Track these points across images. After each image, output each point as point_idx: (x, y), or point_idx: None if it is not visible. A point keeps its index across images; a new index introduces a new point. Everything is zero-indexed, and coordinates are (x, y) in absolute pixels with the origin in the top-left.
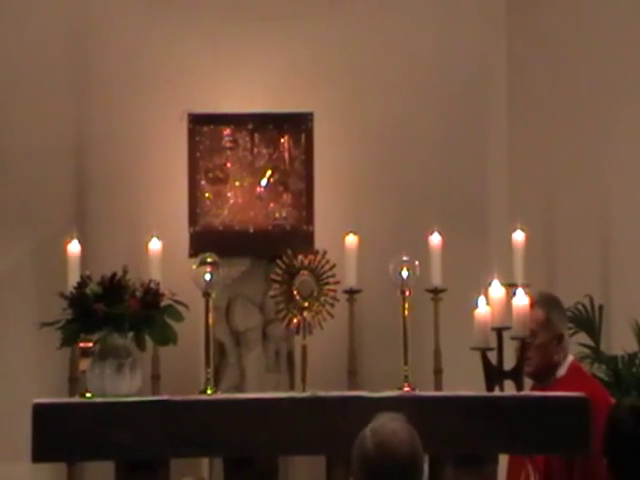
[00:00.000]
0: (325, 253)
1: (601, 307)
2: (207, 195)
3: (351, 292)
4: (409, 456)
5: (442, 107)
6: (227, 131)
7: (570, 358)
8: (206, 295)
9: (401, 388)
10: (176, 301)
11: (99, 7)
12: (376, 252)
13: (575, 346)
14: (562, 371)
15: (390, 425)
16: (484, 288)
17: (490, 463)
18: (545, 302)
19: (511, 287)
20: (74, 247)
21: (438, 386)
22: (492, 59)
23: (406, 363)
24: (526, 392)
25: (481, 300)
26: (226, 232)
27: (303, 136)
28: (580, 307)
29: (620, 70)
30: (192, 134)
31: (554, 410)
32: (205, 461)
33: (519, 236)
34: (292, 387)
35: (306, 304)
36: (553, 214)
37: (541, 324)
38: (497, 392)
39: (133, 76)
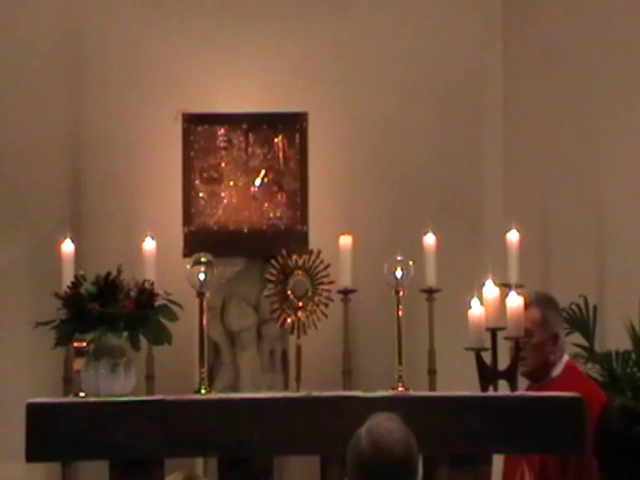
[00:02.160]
0: (319, 253)
1: (595, 307)
2: (201, 195)
3: (345, 292)
4: (404, 456)
5: (437, 107)
6: (221, 131)
7: (566, 358)
8: (200, 295)
9: (395, 388)
10: (170, 301)
11: (94, 7)
12: (370, 252)
13: (569, 346)
14: (558, 371)
15: (385, 425)
16: (478, 288)
17: (484, 463)
18: (541, 302)
19: (505, 287)
20: (68, 247)
21: (432, 386)
22: (487, 60)
23: (400, 363)
24: (520, 392)
25: (474, 301)
26: (220, 232)
27: (297, 136)
28: (574, 307)
29: (615, 71)
30: (186, 134)
31: (549, 410)
32: (199, 461)
33: (513, 236)
34: (286, 387)
35: (300, 304)
36: (547, 214)
37: (537, 324)
38: (491, 392)
39: (128, 76)
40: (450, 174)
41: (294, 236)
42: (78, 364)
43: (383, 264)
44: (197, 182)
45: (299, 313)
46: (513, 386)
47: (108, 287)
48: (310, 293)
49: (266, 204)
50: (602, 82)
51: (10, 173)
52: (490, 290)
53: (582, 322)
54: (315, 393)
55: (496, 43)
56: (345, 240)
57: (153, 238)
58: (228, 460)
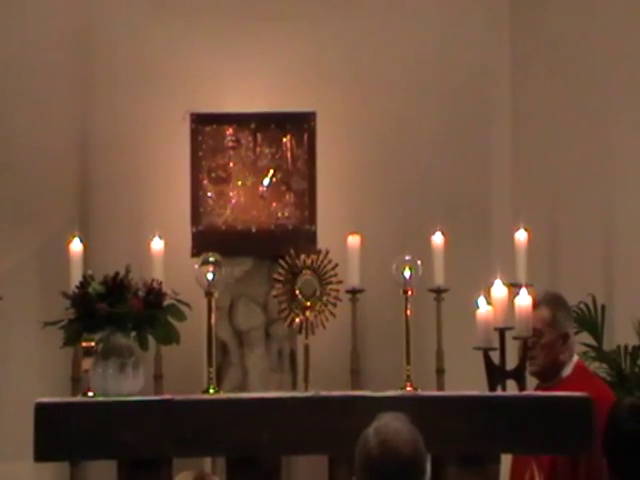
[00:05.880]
0: (328, 253)
1: (604, 306)
2: (209, 195)
3: (354, 292)
4: (412, 456)
5: (445, 107)
6: (230, 131)
7: (575, 358)
8: (209, 295)
9: (403, 388)
10: (179, 300)
11: (103, 7)
12: (379, 252)
13: (577, 345)
14: (567, 371)
15: (393, 425)
16: (486, 288)
17: (493, 463)
18: (551, 301)
19: (514, 287)
20: (76, 246)
21: (440, 386)
22: (495, 59)
23: (408, 363)
24: (529, 392)
25: (481, 301)
26: (229, 232)
27: (305, 135)
28: (583, 306)
29: (624, 69)
30: (195, 134)
31: (557, 410)
32: (208, 460)
33: (522, 236)
34: (295, 387)
35: (309, 304)
36: (556, 213)
37: (547, 323)
38: (499, 392)
39: (136, 76)
40: (458, 173)
41: (302, 236)
42: (86, 364)
43: (391, 264)
44: (205, 182)
45: (307, 313)
46: (521, 386)
47: (116, 287)
48: (318, 293)
49: (274, 204)
50: (611, 82)
51: (19, 173)
52: (498, 290)
53: (590, 321)
54: (323, 393)
55: (504, 42)
56: (353, 240)
57: (161, 238)
58: (236, 460)
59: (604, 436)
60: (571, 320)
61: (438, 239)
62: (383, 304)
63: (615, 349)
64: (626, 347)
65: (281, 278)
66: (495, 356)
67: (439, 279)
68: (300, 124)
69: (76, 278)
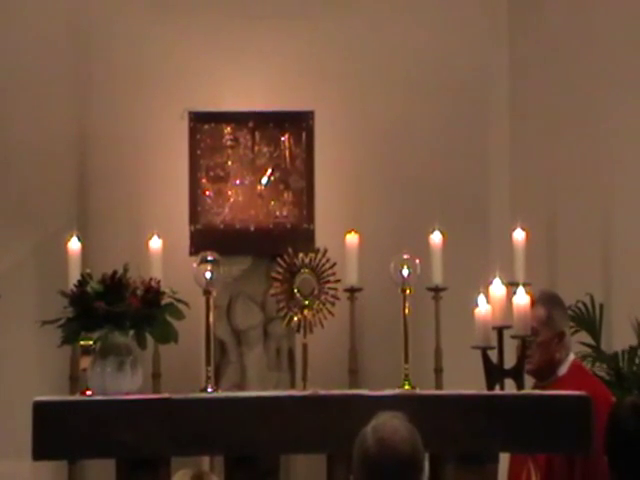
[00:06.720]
0: (326, 251)
1: (602, 306)
2: (208, 193)
3: (352, 290)
4: (410, 454)
5: (443, 105)
6: (228, 129)
7: (571, 356)
8: (207, 293)
9: (402, 387)
10: (177, 299)
11: (101, 6)
12: (377, 250)
13: (576, 345)
14: (563, 369)
15: (391, 423)
16: (485, 287)
17: (491, 462)
18: (547, 300)
19: (512, 286)
20: (75, 245)
21: (439, 385)
22: (494, 57)
23: (407, 361)
24: (527, 391)
25: (481, 299)
26: (227, 230)
27: (304, 134)
28: (581, 306)
29: (622, 69)
30: (193, 132)
31: (555, 409)
32: (206, 459)
33: (520, 235)
34: (293, 385)
35: (307, 302)
36: (554, 213)
37: (542, 322)
38: (498, 391)
39: (135, 74)
40: (457, 172)
41: (300, 234)
42: (84, 362)
43: (389, 262)
44: (203, 180)
45: (305, 312)
46: (520, 385)
47: (114, 285)
48: (316, 291)
49: (272, 202)
50: (609, 80)
51: (17, 171)
52: (497, 288)
53: (588, 320)
54: (321, 392)
55: (503, 41)
56: (351, 238)
57: (159, 236)
58: (234, 459)
59: (605, 435)
60: (567, 319)
61: (436, 238)
62: (381, 303)
63: (613, 352)
64: (623, 350)
65: (279, 277)
66: (493, 355)
67: (437, 278)
68: (298, 123)
69: (74, 277)
